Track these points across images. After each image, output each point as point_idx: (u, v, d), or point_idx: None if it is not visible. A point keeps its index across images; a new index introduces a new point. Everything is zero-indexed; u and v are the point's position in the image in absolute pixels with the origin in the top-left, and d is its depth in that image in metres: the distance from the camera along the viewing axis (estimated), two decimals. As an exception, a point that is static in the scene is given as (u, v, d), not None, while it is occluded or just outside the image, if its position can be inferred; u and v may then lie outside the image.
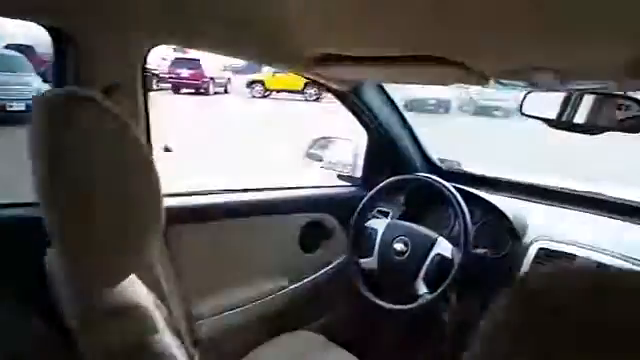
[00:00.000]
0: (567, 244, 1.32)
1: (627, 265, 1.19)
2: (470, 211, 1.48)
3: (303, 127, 4.33)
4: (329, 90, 1.48)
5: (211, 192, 1.49)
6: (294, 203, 1.65)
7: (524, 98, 1.31)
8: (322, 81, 1.37)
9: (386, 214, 1.76)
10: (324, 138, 1.89)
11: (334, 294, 1.83)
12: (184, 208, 1.35)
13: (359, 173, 1.89)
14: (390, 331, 1.90)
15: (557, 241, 1.34)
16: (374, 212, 1.75)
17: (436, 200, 1.68)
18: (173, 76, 15.83)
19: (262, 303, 1.56)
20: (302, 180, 1.85)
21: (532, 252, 1.35)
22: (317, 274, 1.74)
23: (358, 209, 1.58)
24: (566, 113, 1.28)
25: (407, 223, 1.52)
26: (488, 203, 1.51)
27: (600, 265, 1.22)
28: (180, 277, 1.27)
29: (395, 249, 1.46)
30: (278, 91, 16.61)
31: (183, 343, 0.86)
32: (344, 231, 1.76)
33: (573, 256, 1.27)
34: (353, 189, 1.87)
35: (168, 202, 0.70)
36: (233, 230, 1.46)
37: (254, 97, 16.91)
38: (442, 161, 1.89)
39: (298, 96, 15.36)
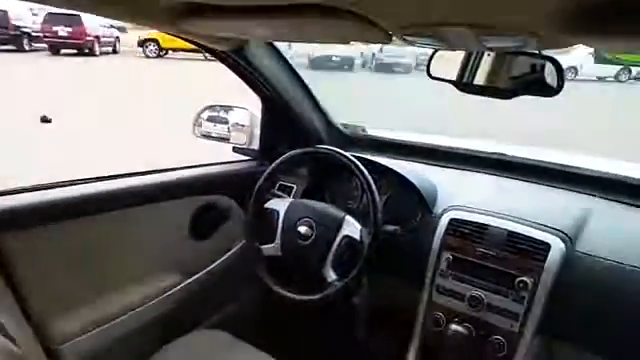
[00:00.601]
0: (479, 213, 1.24)
1: (539, 232, 1.14)
2: (377, 182, 1.35)
3: (199, 92, 3.96)
4: (208, 51, 1.22)
5: (72, 183, 1.19)
6: (181, 186, 1.40)
7: (430, 58, 1.17)
8: (197, 40, 1.11)
9: (289, 190, 1.58)
10: (216, 106, 1.64)
11: (236, 285, 1.64)
12: (34, 207, 1.05)
13: (257, 144, 1.68)
14: (299, 321, 1.78)
15: (468, 210, 1.26)
16: (275, 189, 1.56)
17: (341, 172, 1.54)
18: (49, 35, 13.93)
19: (154, 305, 1.33)
20: (190, 156, 1.59)
21: (443, 224, 1.26)
22: (215, 264, 1.53)
23: (256, 188, 1.38)
24: (467, 75, 1.18)
25: (311, 202, 1.35)
26: (395, 173, 1.39)
27: (511, 234, 1.17)
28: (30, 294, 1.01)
29: (299, 232, 1.29)
30: (175, 50, 15.42)
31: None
32: (242, 213, 1.56)
33: (485, 226, 1.20)
34: (250, 164, 1.65)
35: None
36: (107, 226, 1.19)
37: (148, 57, 15.56)
38: (346, 126, 1.74)
39: (198, 55, 14.34)
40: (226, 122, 1.67)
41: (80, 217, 1.14)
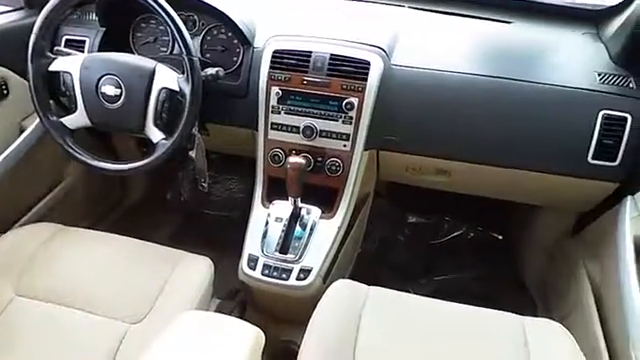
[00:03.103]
0: (301, 41, 1.18)
1: (359, 52, 1.14)
2: (186, 22, 1.16)
3: None
4: None
5: None
6: None
7: None
8: None
9: (81, 46, 1.28)
10: None
11: (49, 170, 1.40)
12: None
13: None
14: (137, 190, 1.66)
15: (290, 40, 1.19)
16: (61, 47, 1.25)
17: (141, 13, 1.29)
18: None
19: None
20: None
21: (267, 56, 1.18)
22: (9, 150, 1.25)
23: (30, 47, 1.07)
24: None
25: (111, 55, 1.12)
26: (205, 5, 1.20)
27: (334, 57, 1.15)
28: None
29: (105, 94, 1.08)
30: None
31: None
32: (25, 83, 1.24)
33: (309, 53, 1.16)
34: (15, 16, 1.27)
35: None
36: None
37: None
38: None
39: None
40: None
41: None
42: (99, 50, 1.27)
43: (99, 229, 1.20)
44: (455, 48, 1.23)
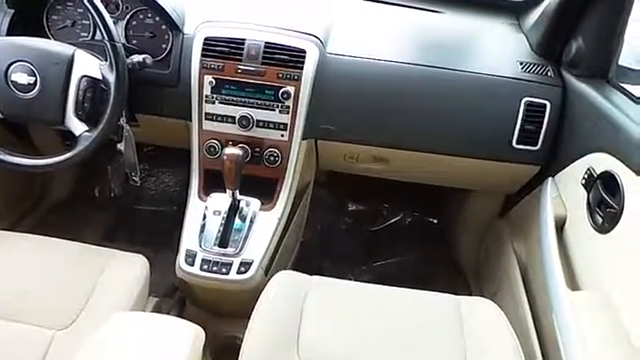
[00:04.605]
0: (234, 28, 1.14)
1: (295, 40, 1.13)
2: (107, 3, 1.08)
3: None
4: None
5: None
6: None
7: None
8: None
9: (-15, 28, 1.16)
10: None
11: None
12: None
13: None
14: (60, 183, 1.53)
15: (223, 27, 1.15)
16: (-39, 29, 1.12)
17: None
18: None
19: None
20: None
21: (198, 44, 1.13)
22: None
23: None
24: None
25: (24, 40, 1.02)
26: None
27: (269, 45, 1.12)
28: None
29: (16, 83, 0.99)
30: None
31: None
32: None
33: (242, 40, 1.12)
34: None
35: None
36: None
37: None
38: None
39: None
40: None
41: None
42: (7, 34, 1.15)
43: (19, 230, 1.10)
44: (389, 37, 1.24)
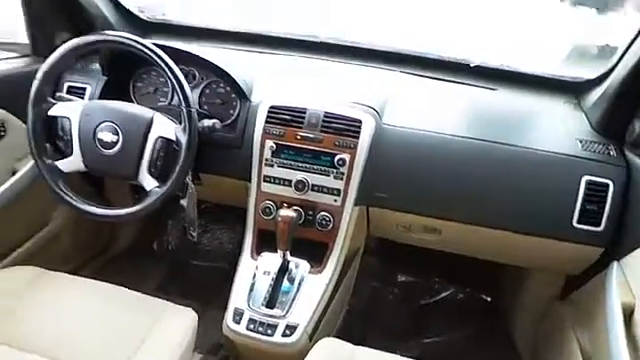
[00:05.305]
0: (296, 97, 1.23)
1: (352, 110, 1.19)
2: (187, 75, 1.21)
3: None
4: None
5: None
6: None
7: None
8: None
9: (82, 93, 1.32)
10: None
11: (36, 212, 1.39)
12: None
13: (24, 37, 1.32)
14: (126, 238, 1.63)
15: (286, 96, 1.23)
16: (63, 93, 1.29)
17: (143, 65, 1.33)
18: None
19: None
20: None
21: (263, 112, 1.22)
22: (0, 191, 1.25)
23: (32, 92, 1.10)
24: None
25: (111, 103, 1.15)
26: (206, 62, 1.26)
27: (327, 114, 1.19)
28: None
29: (102, 140, 1.10)
30: None
31: None
32: (23, 125, 1.26)
33: (303, 110, 1.20)
34: (20, 62, 1.31)
35: None
36: None
37: None
38: (142, 10, 1.47)
39: None
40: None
41: None
42: (99, 98, 1.30)
43: (82, 275, 1.17)
44: (443, 111, 1.28)
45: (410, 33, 1.63)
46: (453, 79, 1.42)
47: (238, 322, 1.09)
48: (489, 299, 1.82)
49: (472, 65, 1.41)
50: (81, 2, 1.30)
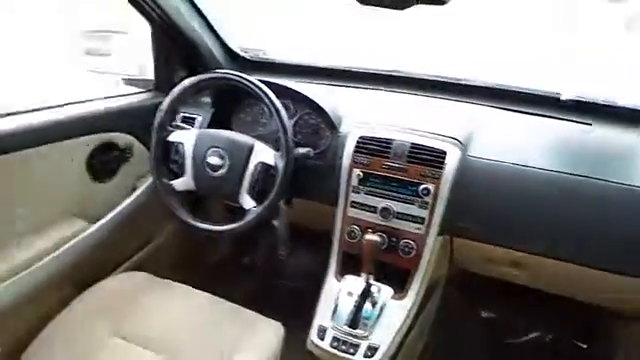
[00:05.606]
0: (383, 129, 1.29)
1: (437, 142, 1.22)
2: (284, 106, 1.33)
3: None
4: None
5: None
6: (69, 125, 1.26)
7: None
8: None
9: (192, 121, 1.50)
10: (90, 33, 1.45)
11: (150, 224, 1.58)
12: None
13: (151, 74, 1.54)
14: (217, 251, 1.78)
15: (373, 127, 1.30)
16: (178, 122, 1.47)
17: (246, 98, 1.49)
18: None
19: (61, 254, 1.25)
20: (73, 92, 1.42)
21: (351, 142, 1.29)
22: (122, 205, 1.44)
23: (156, 121, 1.28)
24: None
25: (218, 131, 1.30)
26: (301, 95, 1.38)
27: (414, 145, 1.23)
28: None
29: (210, 163, 1.25)
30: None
31: None
32: (144, 149, 1.47)
33: (390, 140, 1.26)
34: (146, 96, 1.52)
35: None
36: None
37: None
38: (245, 50, 1.65)
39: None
40: (107, 54, 1.51)
41: None
42: (208, 126, 1.47)
43: (183, 282, 1.31)
44: (532, 144, 1.26)
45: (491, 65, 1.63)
46: (544, 113, 1.39)
47: (322, 338, 1.15)
48: (584, 346, 1.70)
49: (563, 99, 1.37)
50: (196, 44, 1.49)
